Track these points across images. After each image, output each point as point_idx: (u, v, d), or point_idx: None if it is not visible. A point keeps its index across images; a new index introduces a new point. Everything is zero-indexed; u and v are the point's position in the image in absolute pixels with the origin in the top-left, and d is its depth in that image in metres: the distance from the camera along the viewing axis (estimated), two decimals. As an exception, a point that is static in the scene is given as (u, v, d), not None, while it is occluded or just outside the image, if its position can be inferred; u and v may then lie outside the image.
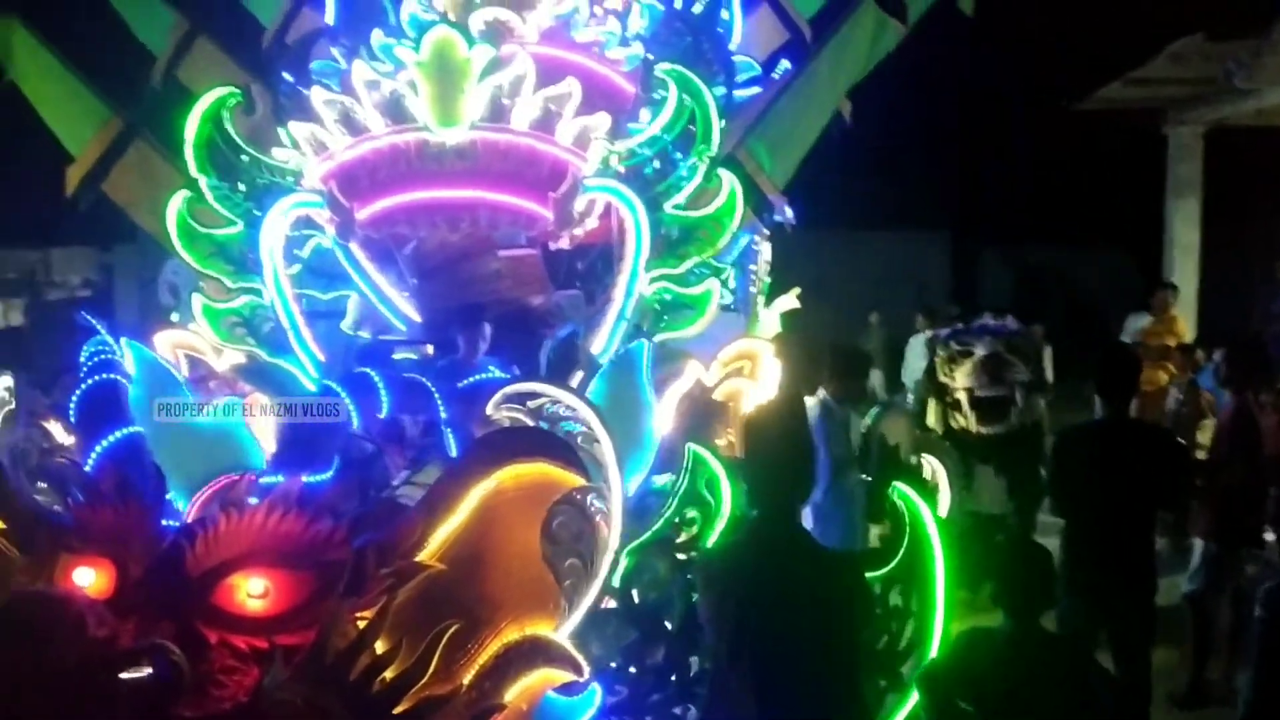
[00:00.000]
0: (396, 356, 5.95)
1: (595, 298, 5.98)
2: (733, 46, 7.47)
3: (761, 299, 7.10)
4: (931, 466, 5.83)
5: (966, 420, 7.29)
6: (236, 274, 5.80)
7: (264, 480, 2.89)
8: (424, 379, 3.94)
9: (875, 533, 5.43)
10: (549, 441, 2.79)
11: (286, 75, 6.70)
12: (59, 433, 3.89)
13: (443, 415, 3.69)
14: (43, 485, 3.45)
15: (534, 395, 3.24)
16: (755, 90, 7.24)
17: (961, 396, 7.50)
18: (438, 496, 2.78)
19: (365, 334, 6.22)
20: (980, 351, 7.63)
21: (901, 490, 3.85)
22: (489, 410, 3.13)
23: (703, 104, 5.54)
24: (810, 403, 5.53)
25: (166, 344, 5.67)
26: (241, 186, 5.76)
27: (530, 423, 3.15)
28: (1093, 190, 18.06)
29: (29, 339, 14.20)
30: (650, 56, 6.56)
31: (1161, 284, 11.99)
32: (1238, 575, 5.81)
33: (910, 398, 9.01)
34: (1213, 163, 14.08)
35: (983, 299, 16.92)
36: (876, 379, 13.48)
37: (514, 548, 2.85)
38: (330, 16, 6.98)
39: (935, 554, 3.86)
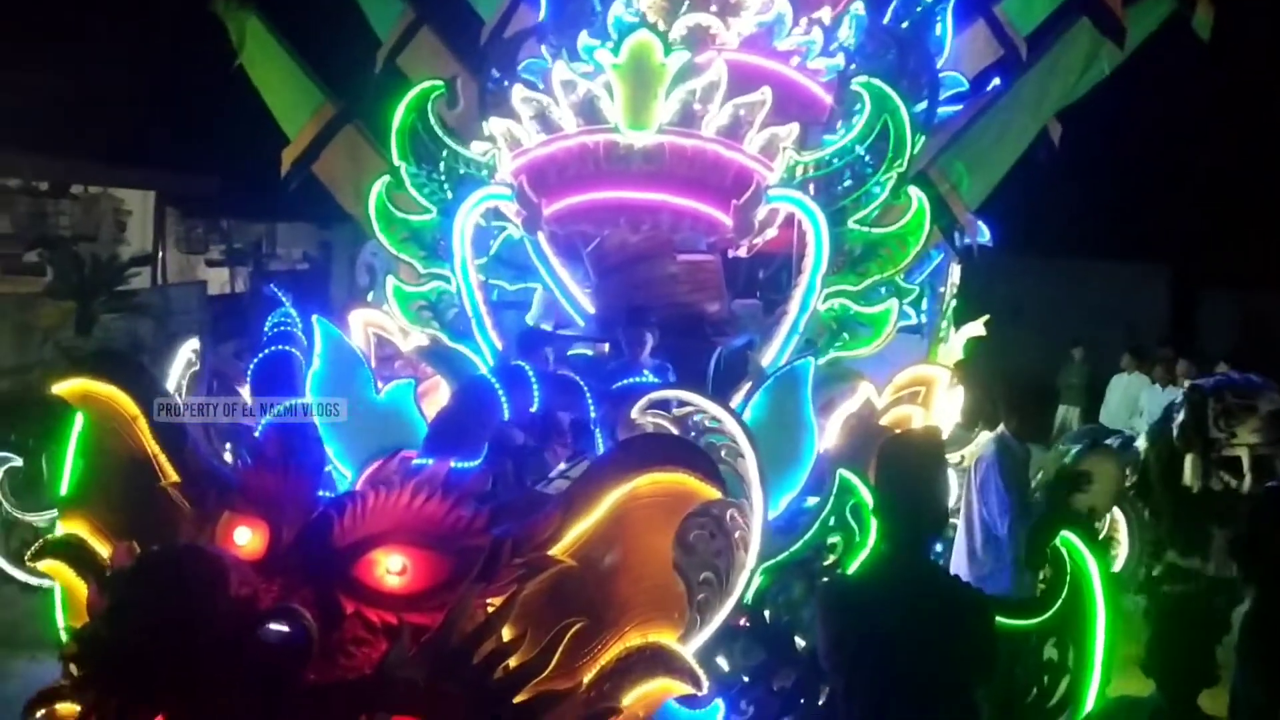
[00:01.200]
0: (572, 352, 6.08)
1: (775, 309, 5.92)
2: (941, 62, 7.27)
3: (947, 324, 6.86)
4: (1114, 519, 5.51)
5: (1241, 479, 6.70)
6: (428, 260, 6.03)
7: (415, 462, 2.96)
8: (575, 376, 3.96)
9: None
10: (689, 451, 2.77)
11: (495, 71, 6.94)
12: (246, 398, 4.12)
13: (592, 414, 3.72)
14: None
15: (681, 403, 3.22)
16: (959, 108, 7.02)
17: (1242, 454, 6.92)
18: (576, 495, 2.79)
19: (547, 327, 6.38)
20: (1266, 407, 7.11)
21: (1068, 539, 3.64)
22: (633, 414, 3.14)
23: (897, 118, 5.40)
24: (987, 438, 5.29)
25: (359, 322, 5.95)
26: (439, 176, 5.98)
27: (674, 430, 3.13)
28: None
29: (249, 307, 15.21)
30: (852, 68, 6.46)
31: None
32: None
33: (1138, 442, 8.33)
34: None
35: (1201, 342, 15.85)
36: (1074, 416, 12.83)
37: (645, 554, 2.84)
38: (543, 14, 7.18)
39: (1097, 608, 3.64)
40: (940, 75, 7.01)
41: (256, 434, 3.20)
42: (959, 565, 5.13)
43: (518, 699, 2.72)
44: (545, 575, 2.77)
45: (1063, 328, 15.15)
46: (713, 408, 3.22)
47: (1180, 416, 7.49)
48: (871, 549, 3.17)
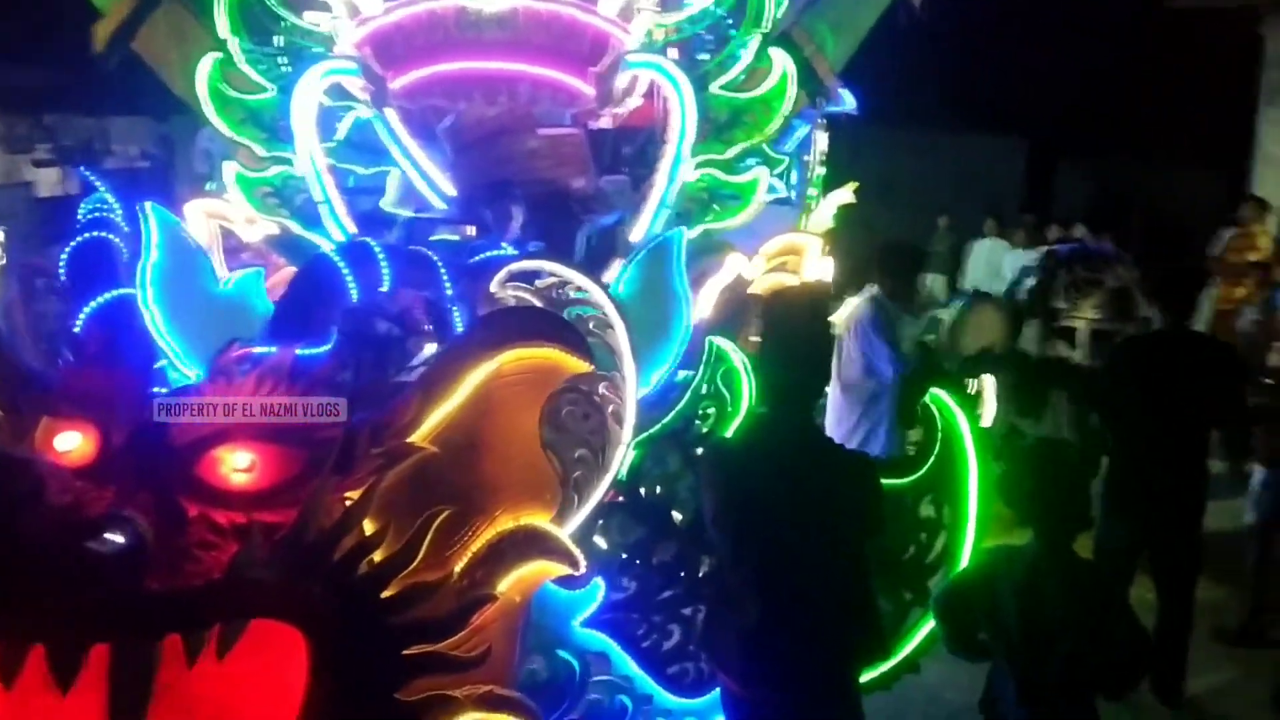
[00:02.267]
0: (435, 237, 5.82)
1: (643, 185, 5.74)
2: (803, -76, 7.04)
3: (816, 193, 6.79)
4: (982, 378, 5.59)
5: (1075, 351, 6.87)
6: (269, 142, 5.62)
7: (257, 350, 2.73)
8: (428, 251, 3.73)
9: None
10: (555, 324, 2.60)
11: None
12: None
13: (449, 291, 3.50)
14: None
15: (545, 274, 3.04)
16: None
17: (1080, 326, 7.08)
18: (435, 377, 2.61)
19: (406, 212, 6.07)
20: (1111, 283, 7.25)
21: (938, 396, 3.62)
22: (493, 288, 2.94)
23: (756, -26, 5.18)
24: (860, 298, 5.26)
25: (198, 212, 5.54)
26: (276, 50, 5.54)
27: (538, 304, 2.96)
28: (1179, 99, 17.16)
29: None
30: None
31: (1246, 197, 11.39)
32: None
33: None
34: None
35: (1057, 211, 16.28)
36: (939, 284, 13.10)
37: (512, 434, 2.68)
38: None
39: (970, 465, 3.65)
40: (801, -65, 6.79)
41: (76, 329, 2.91)
42: (838, 429, 5.15)
43: (385, 594, 2.57)
44: (406, 464, 2.60)
45: (929, 199, 15.37)
46: (579, 278, 3.05)
47: (1031, 281, 7.70)
48: (748, 412, 3.07)
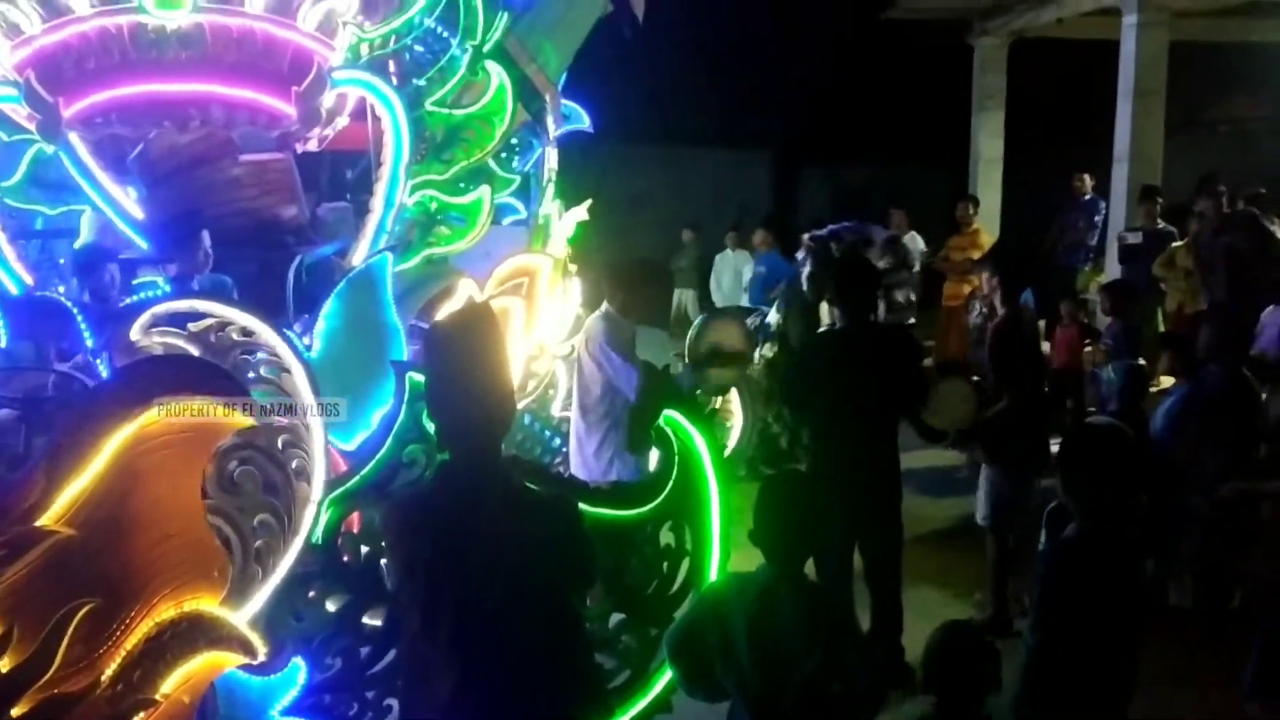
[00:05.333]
0: (139, 280, 5.26)
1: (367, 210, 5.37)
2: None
3: (550, 213, 6.58)
4: (728, 396, 5.53)
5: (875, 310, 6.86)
6: (-78, 184, 4.93)
7: None
8: (61, 297, 3.26)
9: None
10: (206, 373, 2.24)
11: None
12: None
13: (89, 342, 3.05)
14: None
15: (200, 315, 2.66)
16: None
17: None
18: (64, 447, 2.19)
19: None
20: (880, 237, 7.42)
21: (672, 418, 3.44)
22: (134, 335, 2.53)
23: (465, -15, 4.93)
24: (593, 317, 5.07)
25: None
26: (-82, 78, 4.85)
27: (192, 350, 2.57)
28: (907, 105, 18.10)
29: None
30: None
31: (963, 198, 12.02)
32: (1026, 500, 5.53)
33: (770, 316, 8.52)
34: (1016, 75, 14.22)
35: (802, 217, 16.80)
36: (689, 298, 13.18)
37: (169, 505, 2.30)
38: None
39: (710, 487, 3.49)
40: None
41: None
42: (582, 452, 4.93)
43: (16, 710, 2.13)
44: (35, 553, 2.17)
45: (679, 214, 15.55)
46: (241, 317, 2.67)
47: (807, 269, 7.80)
48: (439, 458, 2.77)
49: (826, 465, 4.65)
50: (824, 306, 7.37)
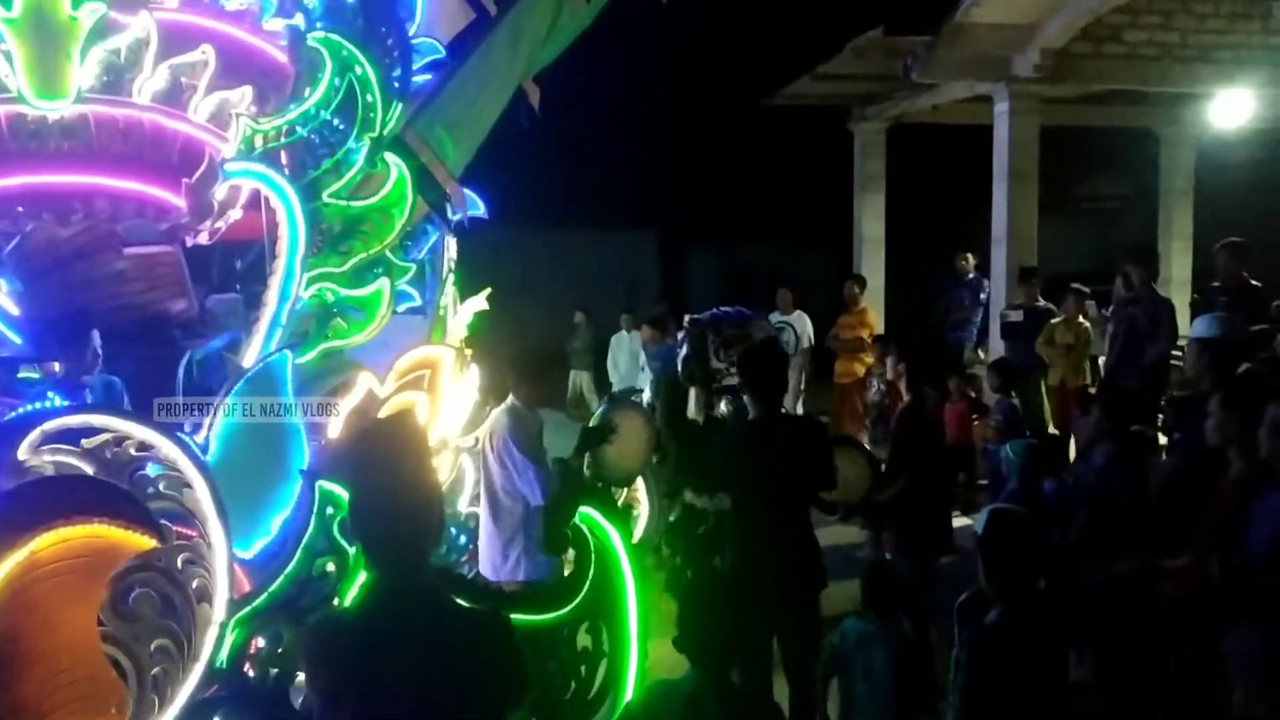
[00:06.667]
0: (20, 376, 4.99)
1: (259, 303, 5.20)
2: (414, 29, 6.85)
3: (449, 301, 6.48)
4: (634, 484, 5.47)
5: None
6: None
7: None
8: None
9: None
10: (103, 494, 2.10)
11: None
12: None
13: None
14: None
15: (93, 431, 2.50)
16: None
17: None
18: (-57, 578, 2.02)
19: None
20: (758, 334, 7.41)
21: (587, 515, 3.38)
22: (22, 454, 2.37)
23: (363, 78, 4.89)
24: (498, 410, 4.96)
25: None
26: None
27: (86, 468, 2.41)
28: (792, 187, 18.60)
29: None
30: (318, 25, 5.84)
31: (850, 277, 12.33)
32: (935, 584, 5.55)
33: (645, 394, 8.56)
34: (895, 158, 14.75)
35: (691, 297, 17.01)
36: (584, 380, 13.16)
37: (62, 636, 2.14)
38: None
39: (627, 584, 3.42)
40: (415, 41, 6.59)
41: None
42: (490, 551, 4.79)
43: None
44: (-91, 696, 1.98)
45: (570, 296, 15.59)
46: (139, 430, 2.53)
47: (683, 351, 7.82)
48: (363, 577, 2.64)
49: (744, 559, 4.61)
50: (691, 391, 7.41)
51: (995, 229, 11.46)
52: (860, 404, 10.81)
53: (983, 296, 11.84)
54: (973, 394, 9.22)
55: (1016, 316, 10.32)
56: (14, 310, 5.16)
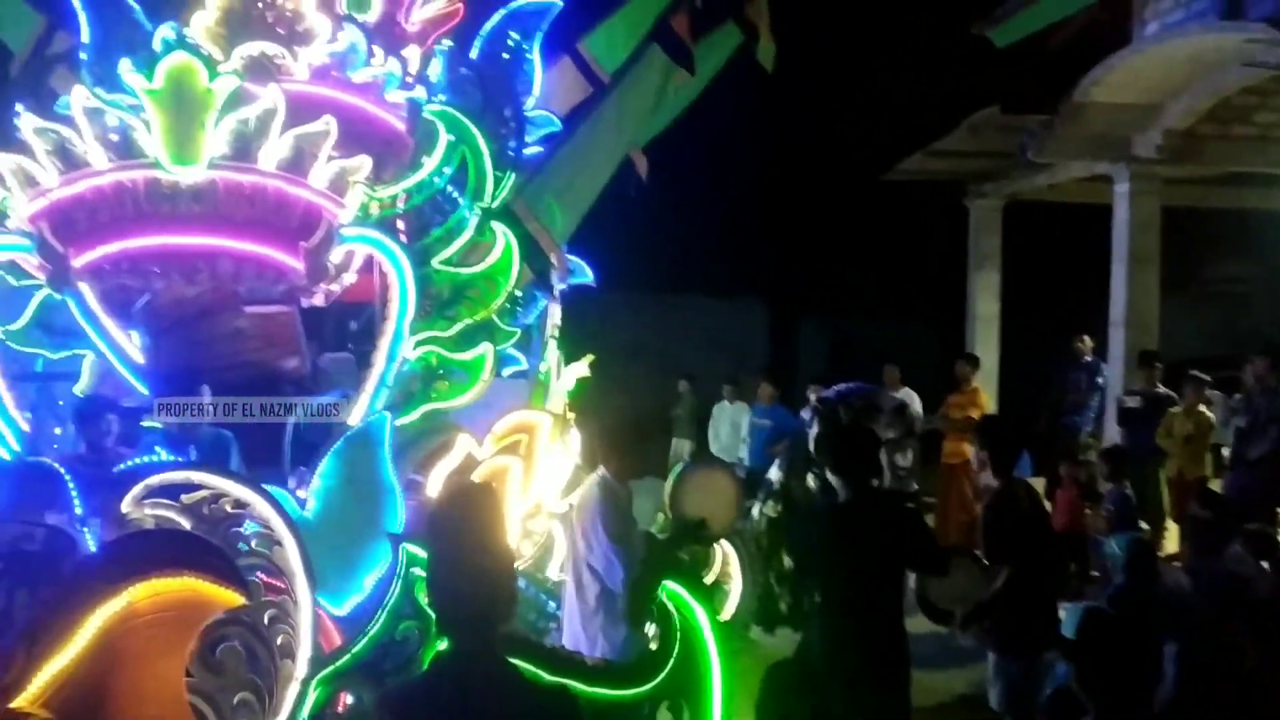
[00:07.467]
0: (144, 425, 5.24)
1: (369, 361, 5.37)
2: (532, 101, 7.07)
3: (551, 366, 6.59)
4: (726, 556, 5.42)
5: (881, 475, 6.75)
6: (-79, 327, 4.93)
7: None
8: (54, 463, 3.21)
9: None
10: (196, 549, 2.19)
11: (19, 106, 5.92)
12: None
13: (78, 510, 2.99)
14: None
15: (193, 486, 2.60)
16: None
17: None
18: (44, 624, 2.12)
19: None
20: (888, 404, 7.39)
21: (673, 591, 3.36)
22: (125, 507, 2.47)
23: (475, 149, 5.06)
24: (589, 482, 5.01)
25: None
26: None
27: (183, 523, 2.51)
28: (904, 262, 18.43)
29: None
30: (439, 99, 6.07)
31: (962, 356, 12.10)
32: (1040, 683, 5.29)
33: (771, 473, 8.44)
34: (1011, 236, 14.52)
35: (796, 368, 16.91)
36: (685, 448, 13.16)
37: (151, 685, 2.22)
38: (85, 35, 6.23)
39: (711, 663, 3.38)
40: (531, 114, 6.80)
41: None
42: (572, 622, 4.80)
43: None
44: (8, 735, 2.07)
45: (676, 362, 15.65)
46: (236, 488, 2.63)
47: (815, 430, 7.74)
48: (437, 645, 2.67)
49: (831, 645, 4.50)
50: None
51: (1114, 311, 11.15)
52: (969, 487, 10.54)
53: (1099, 381, 11.48)
54: (1085, 481, 8.93)
55: (1135, 403, 9.99)
56: (141, 361, 5.44)
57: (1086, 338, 11.75)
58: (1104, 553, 5.92)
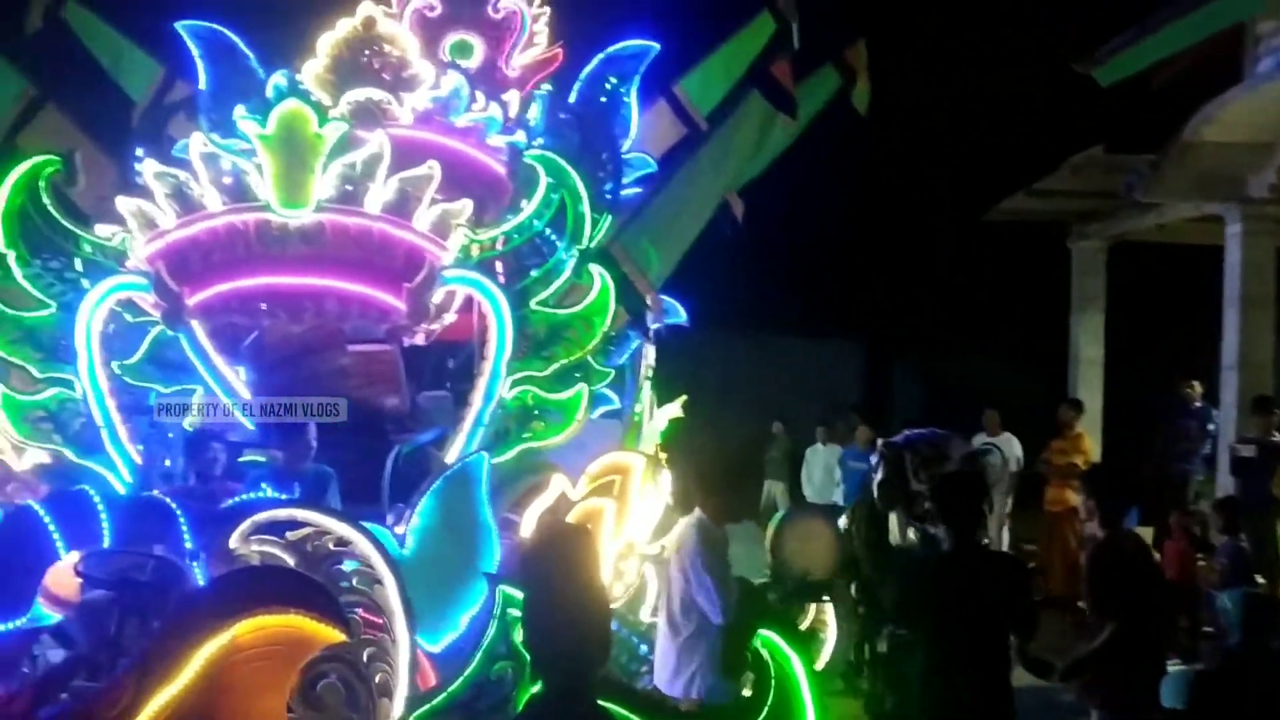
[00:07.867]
0: (244, 459, 5.39)
1: (466, 400, 5.45)
2: (628, 144, 7.14)
3: (644, 407, 6.59)
4: (820, 607, 5.33)
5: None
6: (46, 362, 5.13)
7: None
8: (167, 499, 3.31)
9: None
10: (300, 586, 2.23)
11: (139, 150, 6.18)
12: None
13: (188, 545, 3.07)
14: None
15: (298, 524, 2.66)
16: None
17: None
18: (155, 654, 2.18)
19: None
20: (957, 453, 7.23)
21: (768, 638, 3.32)
22: (233, 543, 2.54)
23: (574, 193, 5.11)
24: (685, 523, 4.98)
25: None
26: (58, 265, 5.14)
27: (287, 559, 2.56)
28: (1005, 303, 18.07)
29: None
30: (537, 143, 6.17)
31: (1065, 400, 11.77)
32: None
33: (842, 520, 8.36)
34: (1116, 277, 14.13)
35: (893, 411, 16.64)
36: (779, 490, 13.01)
37: (254, 718, 2.24)
38: (203, 83, 6.50)
39: (806, 712, 3.33)
40: (628, 156, 6.87)
41: None
42: (666, 666, 4.77)
43: None
44: (118, 764, 2.13)
45: (769, 402, 15.51)
46: (339, 526, 2.68)
47: (879, 475, 7.60)
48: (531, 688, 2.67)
49: (934, 701, 4.36)
50: (891, 516, 7.16)
51: (1226, 355, 10.75)
52: (1072, 535, 10.22)
53: (1210, 428, 11.06)
54: (1196, 531, 8.58)
55: (1249, 451, 9.57)
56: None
57: (1196, 383, 11.35)
58: (1216, 608, 5.65)
